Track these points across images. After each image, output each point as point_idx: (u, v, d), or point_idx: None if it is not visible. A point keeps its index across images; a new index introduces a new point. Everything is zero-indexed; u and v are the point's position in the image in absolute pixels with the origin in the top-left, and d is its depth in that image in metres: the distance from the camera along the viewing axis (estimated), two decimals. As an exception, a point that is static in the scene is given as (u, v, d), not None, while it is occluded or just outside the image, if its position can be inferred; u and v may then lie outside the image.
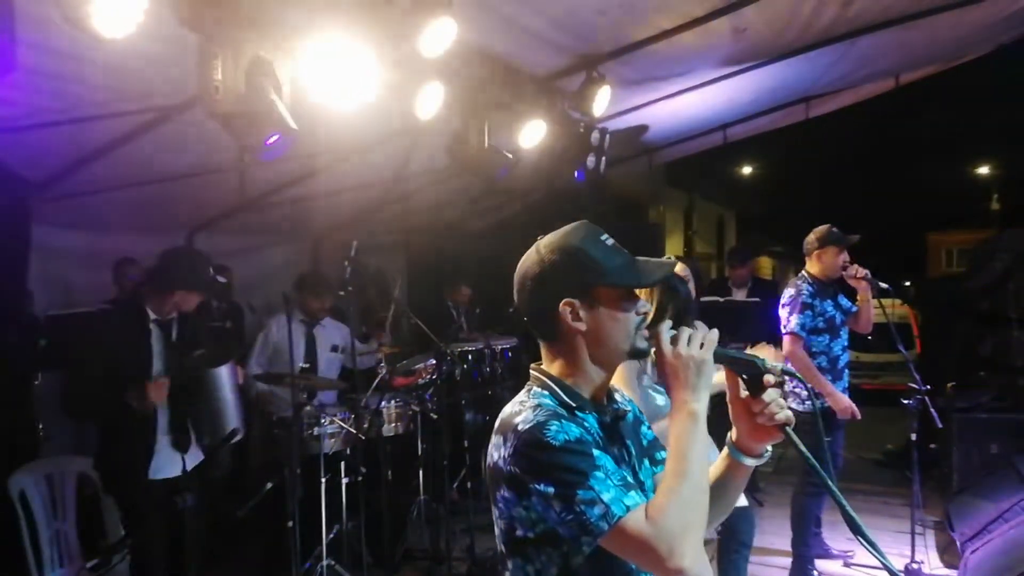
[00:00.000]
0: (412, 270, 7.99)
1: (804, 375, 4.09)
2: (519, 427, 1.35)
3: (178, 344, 3.30)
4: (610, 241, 1.47)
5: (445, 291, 6.56)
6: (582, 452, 1.30)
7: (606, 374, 1.49)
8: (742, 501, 3.16)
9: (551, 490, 1.28)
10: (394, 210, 6.46)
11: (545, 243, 1.49)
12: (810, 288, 4.30)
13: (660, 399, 2.70)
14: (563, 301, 1.43)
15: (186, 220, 5.43)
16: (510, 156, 4.22)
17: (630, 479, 1.35)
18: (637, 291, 1.49)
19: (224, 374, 3.36)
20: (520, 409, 1.40)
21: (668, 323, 1.43)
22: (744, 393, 1.42)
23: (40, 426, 4.15)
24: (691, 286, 3.30)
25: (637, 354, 1.47)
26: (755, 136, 7.44)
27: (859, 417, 4.15)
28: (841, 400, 4.15)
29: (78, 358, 3.24)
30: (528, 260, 1.49)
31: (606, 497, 1.26)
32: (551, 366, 1.49)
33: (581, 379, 1.47)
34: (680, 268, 3.29)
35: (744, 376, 1.42)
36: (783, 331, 4.28)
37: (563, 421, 1.34)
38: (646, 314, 1.47)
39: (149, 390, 3.05)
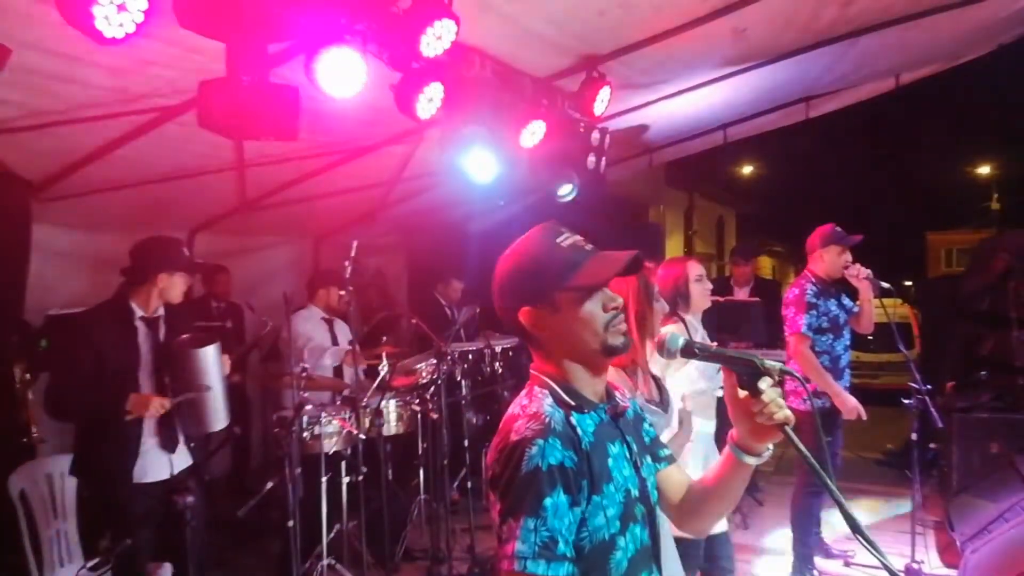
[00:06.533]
0: (412, 270, 7.98)
1: (811, 375, 4.10)
2: (511, 435, 1.35)
3: (166, 341, 3.20)
4: (568, 241, 1.44)
5: (437, 288, 6.42)
6: (539, 489, 1.27)
7: (593, 372, 1.47)
8: (722, 527, 3.14)
9: (499, 504, 1.32)
10: (394, 211, 6.46)
11: (506, 253, 1.49)
12: (814, 288, 4.29)
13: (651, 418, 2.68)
14: (521, 310, 1.44)
15: (186, 220, 5.44)
16: (511, 158, 4.22)
17: (563, 546, 1.27)
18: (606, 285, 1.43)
19: (210, 359, 3.18)
20: (519, 414, 1.40)
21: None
22: (743, 393, 1.41)
23: (33, 428, 4.12)
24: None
25: (611, 351, 1.43)
26: (755, 136, 7.42)
27: (864, 417, 4.15)
28: (848, 400, 4.14)
29: (64, 359, 3.14)
30: (495, 270, 1.50)
31: (523, 546, 1.24)
32: (543, 367, 1.49)
33: (572, 379, 1.46)
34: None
35: (743, 375, 1.41)
36: (789, 331, 4.28)
37: (550, 440, 1.32)
38: (617, 308, 1.43)
39: (151, 404, 3.00)
